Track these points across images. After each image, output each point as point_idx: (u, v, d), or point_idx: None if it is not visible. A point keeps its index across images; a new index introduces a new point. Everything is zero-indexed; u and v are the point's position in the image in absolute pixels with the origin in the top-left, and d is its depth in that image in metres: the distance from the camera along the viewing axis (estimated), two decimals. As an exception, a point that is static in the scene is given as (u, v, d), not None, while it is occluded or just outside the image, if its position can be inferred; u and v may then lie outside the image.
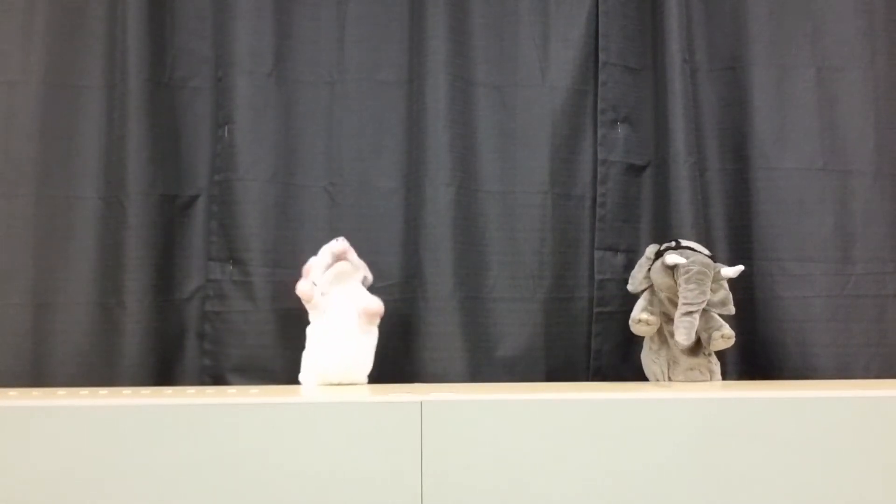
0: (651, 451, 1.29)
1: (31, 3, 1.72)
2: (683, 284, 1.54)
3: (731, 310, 1.63)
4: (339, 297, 1.59)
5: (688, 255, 1.58)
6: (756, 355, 1.77)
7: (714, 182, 1.81)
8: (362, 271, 1.63)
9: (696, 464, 1.29)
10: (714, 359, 1.65)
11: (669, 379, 1.64)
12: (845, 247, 1.76)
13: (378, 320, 1.60)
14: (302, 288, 1.58)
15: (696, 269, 1.55)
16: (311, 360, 1.59)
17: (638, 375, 1.71)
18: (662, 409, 1.31)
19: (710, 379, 1.64)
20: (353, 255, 1.61)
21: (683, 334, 1.53)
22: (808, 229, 1.76)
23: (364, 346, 1.59)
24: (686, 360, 1.63)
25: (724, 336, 1.60)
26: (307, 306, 1.60)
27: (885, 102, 1.79)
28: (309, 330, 1.60)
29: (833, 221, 1.76)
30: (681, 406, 1.31)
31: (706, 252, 1.62)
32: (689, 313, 1.54)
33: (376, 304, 1.59)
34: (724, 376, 1.71)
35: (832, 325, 1.74)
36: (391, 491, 1.26)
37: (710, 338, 1.62)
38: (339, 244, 1.60)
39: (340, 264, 1.59)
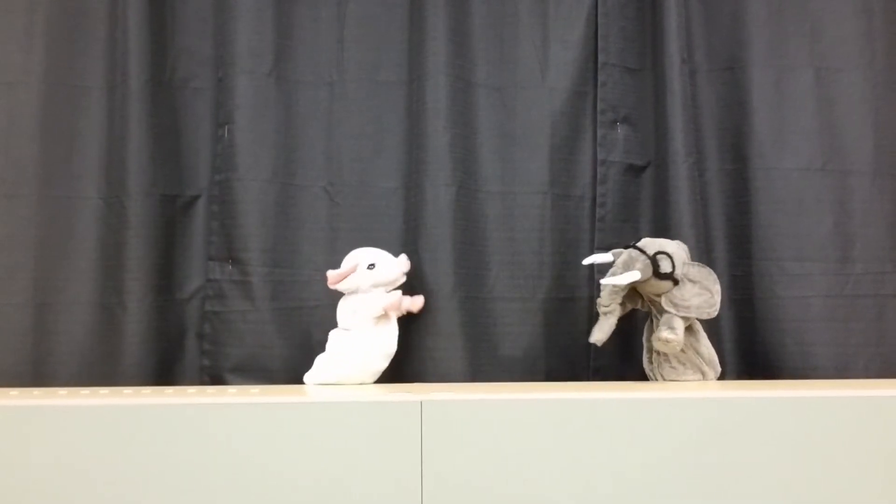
0: (651, 451, 1.29)
1: (32, 4, 1.72)
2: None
3: (707, 314, 1.62)
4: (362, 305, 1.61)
5: (618, 255, 1.61)
6: (755, 355, 1.77)
7: (713, 182, 1.81)
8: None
9: (696, 464, 1.29)
10: (708, 357, 1.65)
11: (662, 377, 1.64)
12: (844, 247, 1.77)
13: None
14: (400, 303, 1.60)
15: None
16: (335, 364, 1.58)
17: (639, 375, 1.71)
18: (662, 408, 1.31)
19: (704, 378, 1.64)
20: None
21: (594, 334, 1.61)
22: (807, 229, 1.76)
23: (389, 348, 1.61)
24: (674, 360, 1.63)
25: (659, 339, 1.59)
26: (387, 316, 1.60)
27: (884, 103, 1.79)
28: (333, 333, 1.60)
29: (832, 221, 1.76)
30: (681, 406, 1.31)
31: (646, 252, 1.60)
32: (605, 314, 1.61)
33: (396, 296, 1.61)
34: (724, 376, 1.71)
35: (831, 324, 1.74)
36: (391, 491, 1.26)
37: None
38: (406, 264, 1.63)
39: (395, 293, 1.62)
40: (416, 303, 1.64)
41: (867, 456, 1.30)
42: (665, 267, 1.58)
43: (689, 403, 1.32)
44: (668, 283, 1.60)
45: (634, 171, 1.81)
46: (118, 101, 1.71)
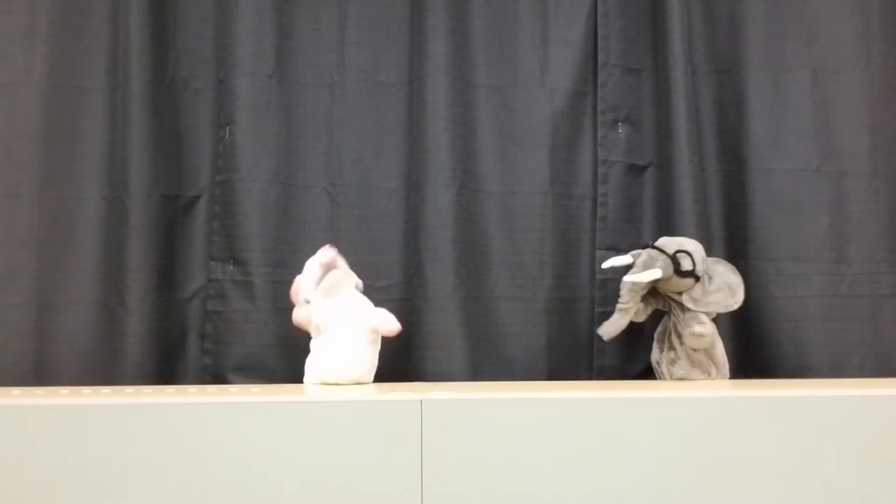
0: (651, 450, 1.30)
1: (34, 4, 1.72)
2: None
3: (724, 307, 1.64)
4: (341, 307, 1.55)
5: (637, 256, 1.63)
6: (751, 354, 1.77)
7: (711, 183, 1.81)
8: (353, 277, 1.60)
9: (697, 463, 1.30)
10: (720, 360, 1.66)
11: (670, 375, 1.65)
12: (840, 247, 1.78)
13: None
14: (299, 317, 1.55)
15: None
16: (318, 367, 1.57)
17: (641, 374, 1.72)
18: (662, 408, 1.32)
19: (710, 377, 1.65)
20: (342, 261, 1.59)
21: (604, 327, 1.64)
22: (803, 230, 1.77)
23: (372, 351, 1.58)
24: (684, 358, 1.64)
25: (693, 333, 1.61)
26: (308, 329, 1.57)
27: (880, 104, 1.80)
28: (313, 342, 1.60)
29: (828, 222, 1.77)
30: (681, 405, 1.32)
31: (668, 251, 1.62)
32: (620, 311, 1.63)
33: (391, 326, 1.54)
34: (721, 376, 1.72)
35: (827, 324, 1.75)
36: (391, 490, 1.27)
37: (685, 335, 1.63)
38: (327, 253, 1.56)
39: (332, 274, 1.56)
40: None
41: (863, 454, 1.31)
42: (686, 265, 1.60)
43: (689, 403, 1.33)
44: (689, 281, 1.61)
45: (636, 170, 1.82)
46: (120, 101, 1.72)
